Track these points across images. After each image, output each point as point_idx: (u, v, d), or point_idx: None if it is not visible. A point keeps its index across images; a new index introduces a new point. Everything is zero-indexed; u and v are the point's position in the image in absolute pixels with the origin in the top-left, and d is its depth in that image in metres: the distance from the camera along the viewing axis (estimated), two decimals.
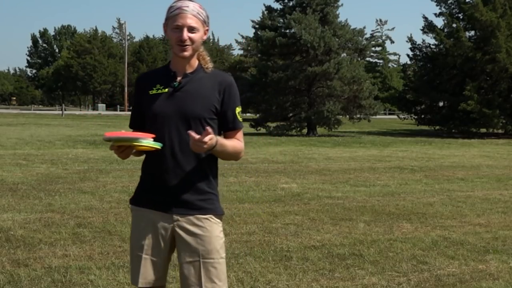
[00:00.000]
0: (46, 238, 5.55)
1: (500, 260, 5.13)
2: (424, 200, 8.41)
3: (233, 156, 2.59)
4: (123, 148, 2.42)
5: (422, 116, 34.46)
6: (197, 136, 2.31)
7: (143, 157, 2.61)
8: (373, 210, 7.47)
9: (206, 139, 2.32)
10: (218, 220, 2.57)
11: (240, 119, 2.62)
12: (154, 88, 2.55)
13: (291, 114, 29.77)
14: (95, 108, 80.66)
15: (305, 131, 29.22)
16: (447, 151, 19.18)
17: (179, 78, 2.54)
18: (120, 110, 73.05)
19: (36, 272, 4.46)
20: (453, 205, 7.95)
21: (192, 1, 2.51)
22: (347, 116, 30.00)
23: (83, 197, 7.95)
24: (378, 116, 51.52)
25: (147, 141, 2.38)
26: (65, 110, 59.46)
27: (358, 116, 30.02)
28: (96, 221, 6.34)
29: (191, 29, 2.47)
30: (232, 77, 2.67)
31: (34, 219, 6.39)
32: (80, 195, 8.07)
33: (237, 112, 2.59)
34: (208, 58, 2.61)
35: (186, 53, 2.49)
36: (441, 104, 34.23)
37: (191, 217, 2.51)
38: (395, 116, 52.56)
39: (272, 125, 29.33)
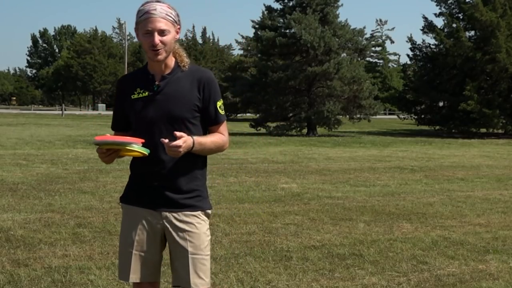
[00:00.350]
0: (46, 238, 5.55)
1: (500, 260, 5.13)
2: (424, 200, 8.40)
3: (215, 150, 2.61)
4: (110, 152, 2.45)
5: (422, 116, 34.48)
6: (168, 142, 2.35)
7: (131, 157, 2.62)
8: (373, 210, 7.47)
9: (180, 142, 2.35)
10: (206, 218, 2.62)
11: (222, 112, 2.63)
12: (135, 92, 2.57)
13: (291, 114, 29.77)
14: (95, 108, 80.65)
15: (305, 131, 29.22)
16: (447, 151, 19.18)
17: (157, 82, 2.55)
18: None
19: (36, 272, 4.46)
20: (453, 205, 7.95)
21: (159, 2, 2.49)
22: (347, 116, 30.01)
23: (83, 197, 7.95)
24: (378, 116, 51.49)
25: (138, 147, 2.40)
26: (65, 110, 59.46)
27: (358, 116, 30.03)
28: (96, 221, 6.34)
29: (162, 32, 2.46)
30: (210, 71, 2.68)
31: (34, 219, 6.39)
32: (80, 195, 8.07)
33: (218, 106, 2.60)
34: (184, 54, 2.61)
35: (160, 57, 2.49)
36: (441, 104, 34.25)
37: (179, 214, 2.55)
38: (395, 116, 52.57)
39: (272, 125, 29.34)
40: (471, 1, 32.45)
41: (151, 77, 2.56)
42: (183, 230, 2.54)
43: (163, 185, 2.54)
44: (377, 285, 4.35)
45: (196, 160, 2.57)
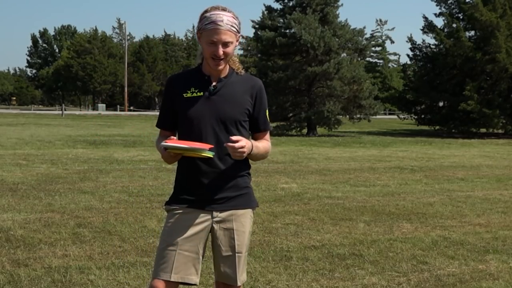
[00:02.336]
0: (46, 238, 5.55)
1: (500, 260, 5.13)
2: (424, 200, 8.41)
3: (264, 156, 2.73)
4: (176, 154, 2.51)
5: (422, 116, 34.47)
6: (235, 145, 2.42)
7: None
8: (373, 210, 7.47)
9: (243, 143, 2.44)
10: (252, 216, 2.73)
11: (268, 120, 2.76)
12: (189, 92, 2.62)
13: (291, 114, 29.77)
14: (95, 108, 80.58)
15: (305, 131, 29.23)
16: (447, 151, 19.18)
17: (214, 83, 2.61)
18: (120, 110, 73.01)
19: (36, 272, 4.46)
20: (453, 205, 7.95)
21: (225, 10, 2.54)
22: (347, 116, 30.01)
23: (83, 197, 7.95)
24: (378, 116, 51.50)
25: (207, 152, 2.45)
26: (65, 110, 59.43)
27: (358, 116, 30.04)
28: (96, 221, 6.34)
29: (225, 44, 2.53)
30: (261, 80, 2.78)
31: (34, 219, 6.39)
32: (80, 195, 8.07)
33: (266, 114, 2.73)
34: (238, 61, 2.72)
35: (220, 67, 2.58)
36: (441, 104, 34.24)
37: (230, 212, 2.63)
38: (395, 116, 52.54)
39: (272, 125, 29.31)
40: (471, 1, 32.44)
41: (207, 78, 2.62)
42: (232, 230, 2.63)
43: (215, 184, 2.60)
44: (377, 285, 4.36)
45: (244, 159, 2.65)
